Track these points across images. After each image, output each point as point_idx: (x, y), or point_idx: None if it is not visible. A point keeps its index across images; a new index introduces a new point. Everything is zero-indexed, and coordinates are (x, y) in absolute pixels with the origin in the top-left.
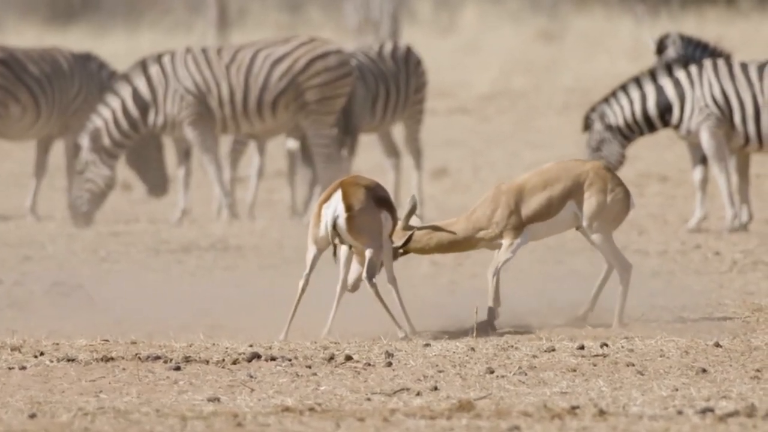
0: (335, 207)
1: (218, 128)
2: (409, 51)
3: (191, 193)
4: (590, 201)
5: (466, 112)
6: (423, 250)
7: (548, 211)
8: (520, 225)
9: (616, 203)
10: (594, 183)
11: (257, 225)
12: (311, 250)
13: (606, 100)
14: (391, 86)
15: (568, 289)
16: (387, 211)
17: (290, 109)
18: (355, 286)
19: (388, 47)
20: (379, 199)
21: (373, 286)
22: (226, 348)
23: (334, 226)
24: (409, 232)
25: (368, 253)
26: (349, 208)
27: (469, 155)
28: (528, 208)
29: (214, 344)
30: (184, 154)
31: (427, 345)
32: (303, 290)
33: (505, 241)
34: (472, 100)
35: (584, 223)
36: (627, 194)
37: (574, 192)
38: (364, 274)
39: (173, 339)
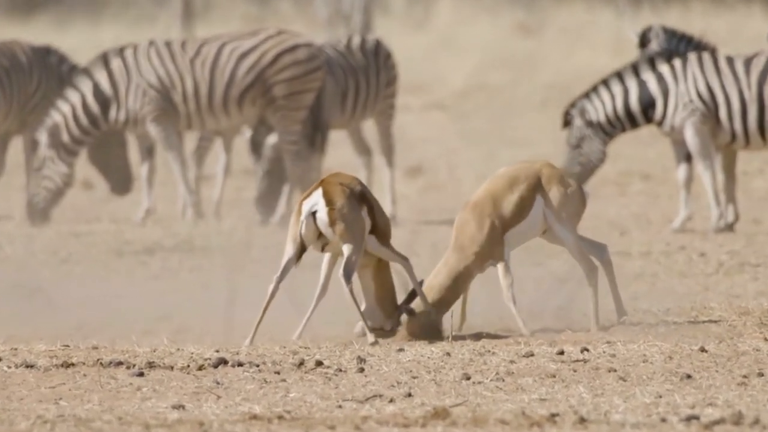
0: (316, 201)
1: (183, 124)
2: (378, 44)
3: (155, 192)
4: (553, 195)
5: (442, 109)
6: (434, 305)
7: (522, 210)
8: (500, 237)
9: (574, 195)
10: (551, 178)
11: (224, 225)
12: (288, 253)
13: (586, 95)
14: (360, 80)
15: (547, 292)
16: (368, 209)
17: (257, 104)
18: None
19: (357, 40)
20: (361, 197)
21: (349, 285)
22: (192, 353)
23: (315, 221)
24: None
25: (347, 249)
26: (330, 203)
27: (445, 153)
28: (506, 211)
29: (178, 349)
30: (148, 152)
31: (401, 350)
32: (272, 295)
33: (499, 266)
34: (447, 95)
35: (551, 220)
36: (580, 186)
37: (538, 187)
38: (341, 272)
39: (136, 344)
